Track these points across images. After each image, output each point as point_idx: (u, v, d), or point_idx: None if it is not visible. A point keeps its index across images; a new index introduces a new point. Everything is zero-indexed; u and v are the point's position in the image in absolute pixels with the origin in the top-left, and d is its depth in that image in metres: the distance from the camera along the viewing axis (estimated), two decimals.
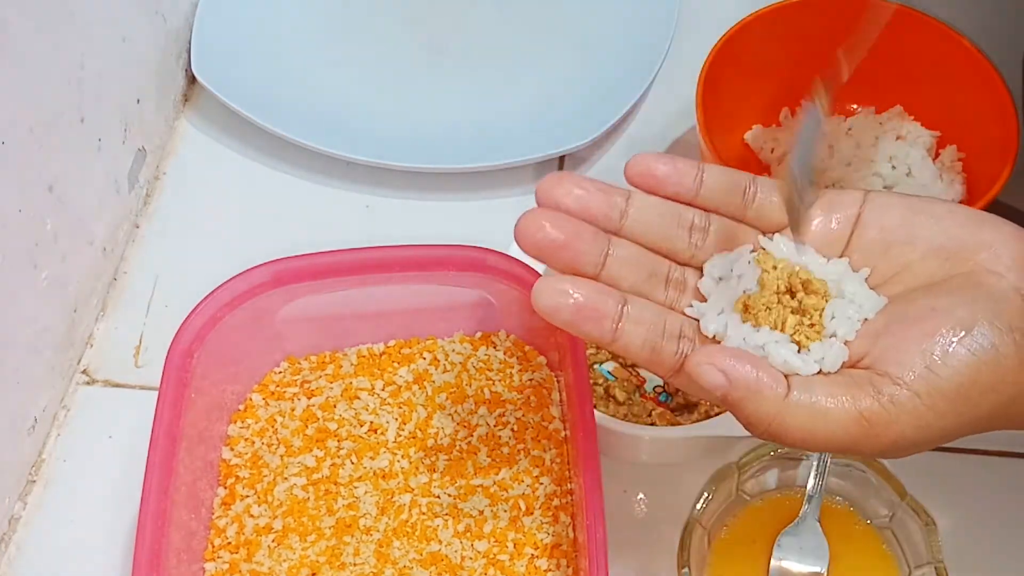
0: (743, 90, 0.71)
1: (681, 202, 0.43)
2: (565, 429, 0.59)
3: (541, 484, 0.58)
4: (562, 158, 0.76)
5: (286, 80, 0.79)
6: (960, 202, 0.68)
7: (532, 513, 0.57)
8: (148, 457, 0.52)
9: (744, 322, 0.40)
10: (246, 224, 0.74)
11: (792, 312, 0.40)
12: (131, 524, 0.52)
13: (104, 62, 0.68)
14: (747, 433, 0.58)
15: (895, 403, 0.38)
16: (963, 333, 0.39)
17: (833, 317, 0.40)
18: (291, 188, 0.76)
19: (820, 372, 0.40)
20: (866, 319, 0.41)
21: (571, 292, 0.39)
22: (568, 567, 0.55)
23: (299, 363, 0.63)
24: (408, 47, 0.82)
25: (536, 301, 0.39)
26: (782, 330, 0.40)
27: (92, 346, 0.69)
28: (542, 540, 0.56)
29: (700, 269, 0.43)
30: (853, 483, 0.57)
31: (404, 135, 0.76)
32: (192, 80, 0.79)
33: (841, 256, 0.43)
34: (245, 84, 0.77)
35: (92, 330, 0.69)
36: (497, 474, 0.58)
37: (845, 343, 0.40)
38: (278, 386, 0.62)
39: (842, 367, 0.40)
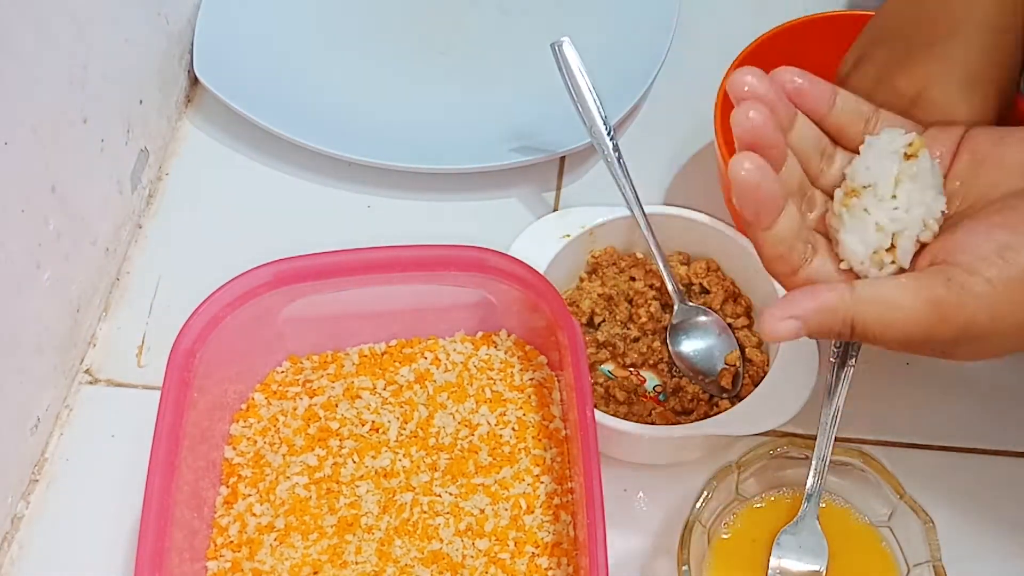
0: None
1: (814, 119, 0.47)
2: (566, 428, 0.59)
3: (542, 483, 0.58)
4: (562, 158, 0.76)
5: (288, 81, 0.79)
6: None
7: (533, 512, 0.57)
8: (151, 456, 0.52)
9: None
10: (248, 224, 0.74)
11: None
12: (134, 523, 0.52)
13: (106, 63, 0.68)
14: (747, 432, 0.58)
15: (966, 289, 0.40)
16: None
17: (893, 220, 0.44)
18: (293, 188, 0.76)
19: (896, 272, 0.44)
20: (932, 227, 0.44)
21: (771, 180, 0.42)
22: (568, 565, 0.56)
23: (301, 362, 0.63)
24: (409, 48, 0.82)
25: (735, 172, 0.42)
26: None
27: (95, 346, 0.69)
28: (543, 538, 0.56)
29: (820, 189, 0.48)
30: (852, 482, 0.57)
31: (405, 135, 0.76)
32: (194, 81, 0.79)
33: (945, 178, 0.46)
34: (247, 85, 0.77)
35: (95, 330, 0.69)
36: (498, 473, 0.58)
37: (920, 243, 0.44)
38: (280, 385, 0.62)
39: (915, 268, 0.43)
